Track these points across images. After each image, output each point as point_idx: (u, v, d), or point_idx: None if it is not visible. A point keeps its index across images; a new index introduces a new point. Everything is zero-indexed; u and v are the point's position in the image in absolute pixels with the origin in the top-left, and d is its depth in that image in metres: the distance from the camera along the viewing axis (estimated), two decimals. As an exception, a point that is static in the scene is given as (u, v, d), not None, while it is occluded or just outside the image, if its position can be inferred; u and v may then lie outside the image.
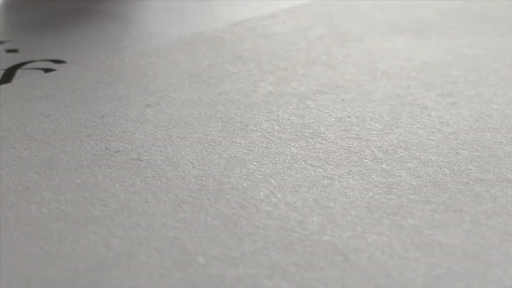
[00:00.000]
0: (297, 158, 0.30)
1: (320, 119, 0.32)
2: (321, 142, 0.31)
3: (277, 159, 0.30)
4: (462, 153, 0.30)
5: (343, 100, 0.34)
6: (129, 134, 0.31)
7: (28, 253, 0.25)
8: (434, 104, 0.33)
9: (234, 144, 0.31)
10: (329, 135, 0.31)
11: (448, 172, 0.29)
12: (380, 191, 0.28)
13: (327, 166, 0.29)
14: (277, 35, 0.35)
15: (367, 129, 0.32)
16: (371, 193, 0.27)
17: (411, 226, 0.26)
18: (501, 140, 0.31)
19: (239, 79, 0.36)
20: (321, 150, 0.30)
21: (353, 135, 0.31)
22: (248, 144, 0.30)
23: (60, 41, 0.41)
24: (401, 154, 0.30)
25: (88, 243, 0.25)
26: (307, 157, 0.30)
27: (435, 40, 0.40)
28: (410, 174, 0.29)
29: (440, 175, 0.28)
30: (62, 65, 0.38)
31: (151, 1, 0.47)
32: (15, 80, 0.36)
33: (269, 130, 0.31)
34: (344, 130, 0.32)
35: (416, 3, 0.45)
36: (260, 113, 0.33)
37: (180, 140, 0.31)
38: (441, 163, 0.29)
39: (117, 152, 0.30)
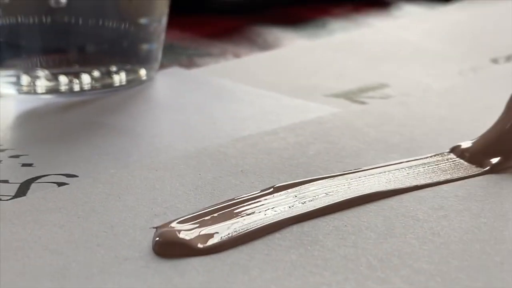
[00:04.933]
0: (297, 265, 0.31)
1: (319, 227, 0.34)
2: (319, 250, 0.32)
3: (278, 266, 0.31)
4: (453, 262, 0.31)
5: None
6: (137, 242, 0.32)
7: None
8: (426, 216, 0.34)
9: (236, 251, 0.32)
10: (327, 243, 0.32)
11: (439, 280, 0.30)
12: (375, 297, 0.29)
13: (325, 272, 0.30)
14: (278, 150, 0.36)
15: (363, 238, 0.33)
16: (366, 299, 0.28)
17: (404, 329, 0.27)
18: (489, 251, 0.32)
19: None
20: (319, 258, 0.31)
21: (349, 244, 0.32)
22: (250, 251, 0.32)
23: (73, 155, 0.42)
24: (395, 262, 0.31)
25: None
26: (306, 264, 0.31)
27: (426, 156, 0.41)
28: (403, 282, 0.30)
29: (432, 282, 0.29)
30: (74, 179, 0.39)
31: (158, 115, 0.48)
32: (30, 193, 0.37)
33: (270, 237, 0.33)
34: (341, 238, 0.33)
35: (408, 122, 0.46)
36: (262, 222, 0.34)
37: (185, 248, 0.32)
38: (433, 271, 0.30)
39: (126, 260, 0.31)
